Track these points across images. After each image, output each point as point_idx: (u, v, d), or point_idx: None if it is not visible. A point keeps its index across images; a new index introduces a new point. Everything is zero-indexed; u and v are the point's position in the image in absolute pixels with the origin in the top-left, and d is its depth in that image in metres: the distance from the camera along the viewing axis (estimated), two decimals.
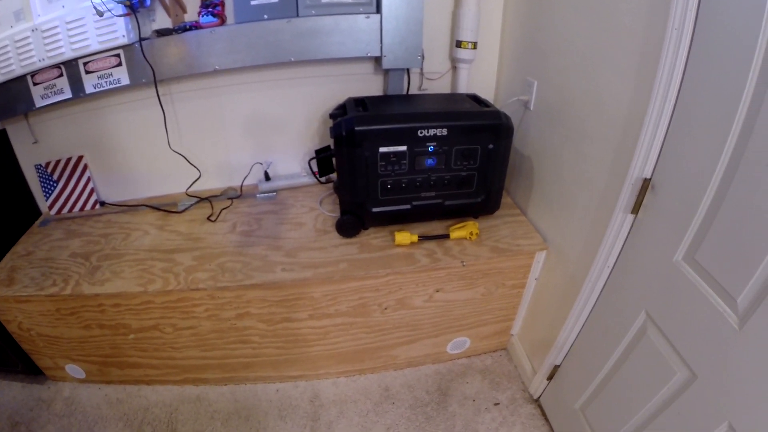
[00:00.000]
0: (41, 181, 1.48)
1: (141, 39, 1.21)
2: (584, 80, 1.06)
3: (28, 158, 1.47)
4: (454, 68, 1.47)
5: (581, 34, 1.06)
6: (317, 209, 1.47)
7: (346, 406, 1.43)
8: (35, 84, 1.26)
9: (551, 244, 1.30)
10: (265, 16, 1.26)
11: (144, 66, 1.24)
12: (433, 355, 1.53)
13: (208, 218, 1.43)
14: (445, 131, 1.18)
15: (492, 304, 1.41)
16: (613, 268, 1.03)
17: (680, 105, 0.80)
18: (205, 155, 1.53)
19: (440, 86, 1.51)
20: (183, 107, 1.42)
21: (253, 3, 1.25)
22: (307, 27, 1.26)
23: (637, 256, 0.96)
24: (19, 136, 1.42)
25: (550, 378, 1.35)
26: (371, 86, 1.47)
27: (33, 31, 1.18)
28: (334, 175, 1.39)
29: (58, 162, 1.48)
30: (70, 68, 1.25)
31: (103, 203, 1.55)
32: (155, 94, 1.32)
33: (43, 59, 1.21)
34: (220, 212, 1.46)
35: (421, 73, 1.46)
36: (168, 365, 1.41)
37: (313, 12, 1.26)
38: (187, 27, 1.25)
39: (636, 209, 0.93)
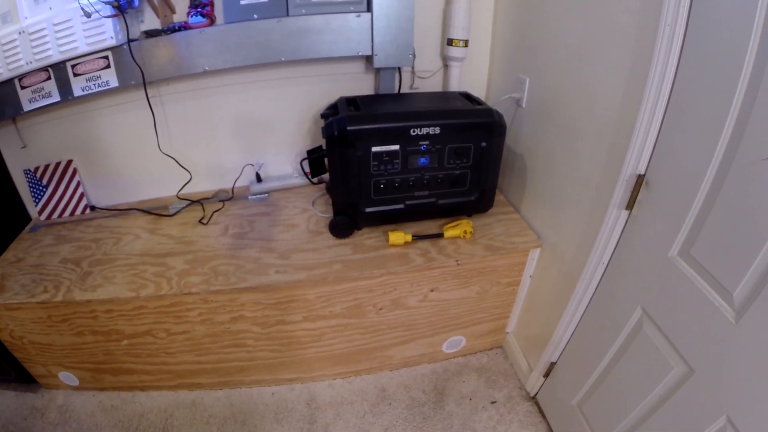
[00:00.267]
0: (30, 186, 1.46)
1: (129, 40, 1.19)
2: (576, 77, 1.06)
3: (16, 163, 1.45)
4: (446, 66, 1.47)
5: (573, 31, 1.05)
6: (310, 210, 1.46)
7: (343, 407, 1.42)
8: (23, 87, 1.25)
9: (545, 241, 1.30)
10: (255, 16, 1.25)
11: (133, 68, 1.23)
12: (428, 355, 1.53)
13: (200, 221, 1.42)
14: (437, 130, 1.17)
15: (487, 302, 1.41)
16: (608, 264, 1.03)
17: (673, 101, 0.80)
18: (196, 157, 1.51)
19: (432, 85, 1.50)
20: (173, 109, 1.41)
21: (242, 2, 1.24)
22: (297, 26, 1.25)
23: (632, 252, 0.96)
24: (7, 141, 1.40)
25: (546, 375, 1.35)
26: (362, 85, 1.47)
27: (20, 33, 1.16)
28: (326, 176, 1.39)
29: (47, 166, 1.46)
30: (58, 71, 1.23)
31: (93, 207, 1.53)
32: (144, 96, 1.30)
33: (31, 62, 1.20)
34: (211, 215, 1.44)
35: (413, 72, 1.46)
36: (162, 370, 1.39)
37: (304, 11, 1.25)
38: (176, 28, 1.24)
39: (630, 205, 0.93)
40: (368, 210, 1.26)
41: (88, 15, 1.14)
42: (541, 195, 1.30)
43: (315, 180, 1.52)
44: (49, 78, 1.24)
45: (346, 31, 1.28)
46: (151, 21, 1.26)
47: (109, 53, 1.22)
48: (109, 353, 1.33)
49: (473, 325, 1.47)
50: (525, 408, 1.41)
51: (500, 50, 1.44)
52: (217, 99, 1.42)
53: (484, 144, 1.22)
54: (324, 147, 1.22)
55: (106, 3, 1.15)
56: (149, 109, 1.34)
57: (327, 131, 1.15)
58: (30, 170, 1.45)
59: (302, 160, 1.41)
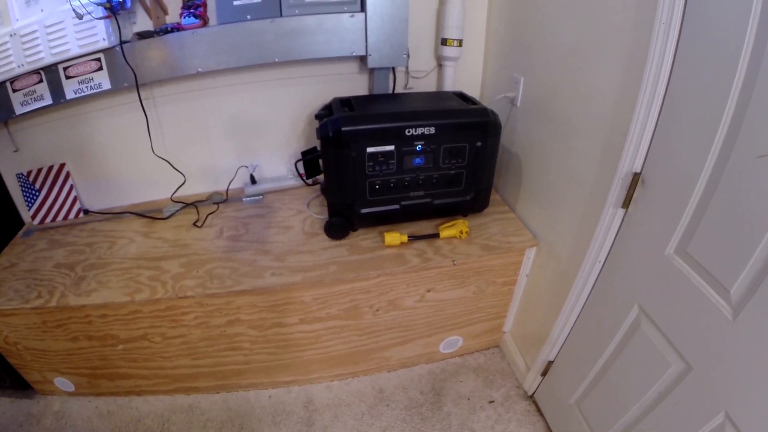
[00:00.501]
0: (23, 191, 1.45)
1: (122, 42, 1.18)
2: (571, 75, 1.06)
3: (9, 167, 1.43)
4: (440, 66, 1.47)
5: (568, 29, 1.05)
6: (305, 212, 1.45)
7: (341, 409, 1.42)
8: (15, 91, 1.23)
9: (541, 240, 1.29)
10: (248, 17, 1.24)
11: (125, 70, 1.22)
12: (426, 355, 1.53)
13: (195, 224, 1.41)
14: (432, 130, 1.17)
15: (483, 302, 1.41)
16: (604, 262, 1.03)
17: (669, 99, 0.80)
18: (190, 159, 1.50)
19: (426, 85, 1.50)
20: (166, 111, 1.40)
21: (235, 3, 1.23)
22: (290, 27, 1.25)
23: (628, 251, 0.96)
24: None
25: (544, 374, 1.35)
26: (357, 86, 1.46)
27: (11, 36, 1.15)
28: (321, 177, 1.38)
29: (39, 170, 1.45)
30: (50, 74, 1.22)
31: (86, 211, 1.52)
32: (137, 98, 1.29)
33: (22, 65, 1.18)
34: (206, 217, 1.43)
35: (407, 72, 1.46)
36: (158, 375, 1.38)
37: (297, 11, 1.24)
38: (169, 29, 1.23)
39: (626, 204, 0.93)
40: (364, 211, 1.26)
41: (80, 17, 1.13)
42: (536, 194, 1.30)
43: (310, 181, 1.51)
44: (41, 81, 1.23)
45: (340, 31, 1.27)
46: (143, 22, 1.25)
47: (101, 55, 1.21)
48: (104, 358, 1.32)
49: (470, 324, 1.47)
50: (523, 407, 1.41)
51: (494, 49, 1.44)
52: (211, 101, 1.41)
53: (479, 144, 1.22)
54: (318, 148, 1.22)
55: (97, 4, 1.15)
56: (142, 111, 1.33)
57: (321, 132, 1.15)
58: (22, 174, 1.44)
59: (297, 162, 1.40)
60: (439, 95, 1.41)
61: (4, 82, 1.20)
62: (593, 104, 1.00)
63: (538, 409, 1.39)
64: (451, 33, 1.35)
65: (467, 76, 1.51)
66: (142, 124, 1.36)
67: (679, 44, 0.76)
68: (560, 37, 1.09)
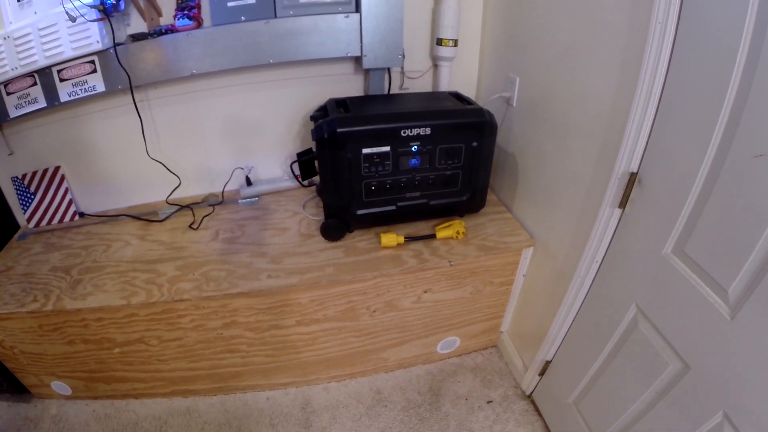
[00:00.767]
0: (18, 194, 1.44)
1: (116, 44, 1.18)
2: (567, 75, 1.06)
3: (4, 170, 1.42)
4: (435, 66, 1.46)
5: (563, 29, 1.05)
6: (301, 213, 1.45)
7: (339, 411, 1.41)
8: (8, 94, 1.23)
9: (538, 240, 1.29)
10: (243, 18, 1.24)
11: (119, 72, 1.21)
12: (423, 356, 1.52)
13: (190, 226, 1.40)
14: (428, 130, 1.16)
15: (481, 302, 1.41)
16: (601, 262, 1.03)
17: (666, 98, 0.80)
18: (185, 162, 1.50)
19: (421, 85, 1.50)
20: (161, 113, 1.39)
21: (229, 4, 1.23)
22: (285, 28, 1.24)
23: (625, 251, 0.95)
24: None
25: (541, 374, 1.34)
26: (352, 87, 1.46)
27: (5, 39, 1.14)
28: (316, 178, 1.37)
29: (34, 173, 1.44)
30: (44, 76, 1.22)
31: (82, 214, 1.51)
32: (132, 100, 1.29)
33: (16, 68, 1.18)
34: (201, 220, 1.43)
35: (402, 72, 1.45)
36: (155, 378, 1.38)
37: (291, 12, 1.24)
38: (163, 31, 1.22)
39: (623, 203, 0.93)
40: (360, 212, 1.25)
41: (73, 19, 1.12)
42: (533, 194, 1.30)
43: (306, 183, 1.50)
44: (35, 83, 1.23)
45: (335, 32, 1.27)
46: (137, 24, 1.24)
47: (95, 57, 1.21)
48: (101, 362, 1.31)
49: (467, 325, 1.47)
50: (521, 407, 1.41)
51: (490, 49, 1.44)
52: (206, 102, 1.41)
53: (475, 144, 1.21)
54: (314, 149, 1.21)
55: (91, 7, 1.14)
56: (137, 113, 1.32)
57: (317, 133, 1.14)
58: (17, 177, 1.43)
59: (292, 163, 1.39)
60: (434, 95, 1.40)
61: None
62: (589, 104, 0.99)
63: (536, 409, 1.39)
64: (446, 33, 1.35)
65: (463, 76, 1.51)
66: (137, 127, 1.36)
67: (676, 43, 0.75)
68: (556, 37, 1.08)
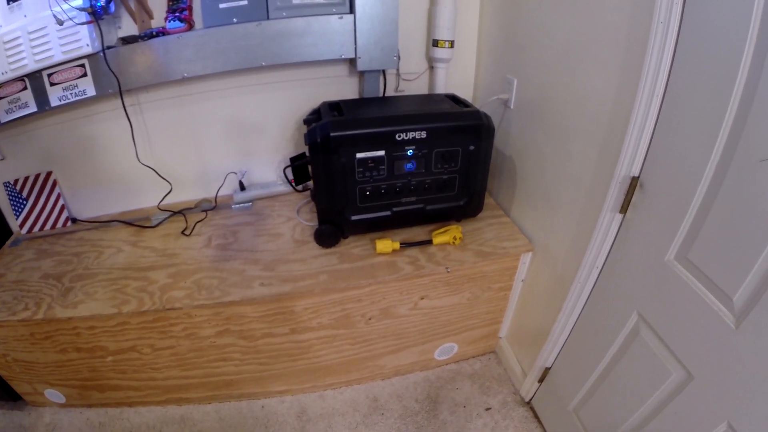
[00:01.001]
0: (11, 200, 1.43)
1: (105, 48, 1.16)
2: (566, 76, 1.03)
3: None
4: (432, 68, 1.44)
5: (562, 28, 1.03)
6: (295, 219, 1.42)
7: (335, 419, 1.39)
8: None
9: (537, 245, 1.27)
10: (235, 20, 1.21)
11: (110, 76, 1.20)
12: (420, 363, 1.50)
13: (183, 232, 1.38)
14: (424, 134, 1.14)
15: (478, 308, 1.38)
16: (602, 268, 1.01)
17: (668, 100, 0.77)
18: (178, 166, 1.47)
19: (417, 87, 1.47)
20: (152, 117, 1.37)
21: (221, 6, 1.21)
22: (277, 30, 1.22)
23: (627, 256, 0.93)
24: None
25: (541, 380, 1.32)
26: (346, 89, 1.43)
27: None
28: (311, 183, 1.35)
29: (27, 179, 1.42)
30: (35, 80, 1.20)
31: (74, 220, 1.49)
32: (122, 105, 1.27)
33: (6, 72, 1.16)
34: (194, 225, 1.41)
35: (398, 74, 1.43)
36: (149, 386, 1.36)
37: (284, 14, 1.22)
38: (154, 33, 1.20)
39: (624, 208, 0.91)
40: (354, 218, 1.23)
41: (60, 23, 1.11)
42: (531, 198, 1.28)
43: (300, 187, 1.48)
44: (25, 88, 1.21)
45: (329, 33, 1.24)
46: (129, 27, 1.23)
47: (85, 61, 1.19)
48: (94, 370, 1.30)
49: (465, 331, 1.44)
50: (520, 414, 1.38)
51: (487, 50, 1.41)
52: (198, 106, 1.38)
53: (472, 147, 1.19)
54: (307, 154, 1.19)
55: (80, 9, 1.12)
56: (127, 118, 1.30)
57: (309, 138, 1.12)
58: (9, 183, 1.42)
59: (285, 168, 1.37)
60: (430, 98, 1.38)
61: None
62: (589, 105, 0.97)
63: (536, 416, 1.37)
64: (442, 34, 1.32)
65: (459, 77, 1.48)
66: (129, 131, 1.34)
67: (678, 43, 0.73)
68: (555, 37, 1.06)
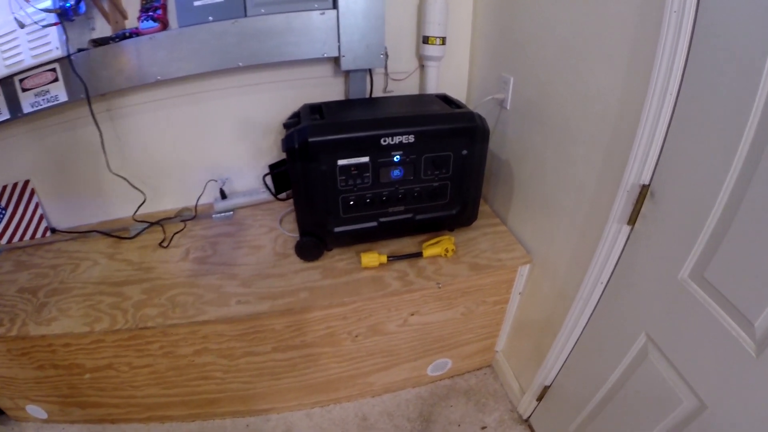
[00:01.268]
0: None
1: (70, 51, 1.09)
2: (567, 73, 0.96)
3: None
4: (422, 67, 1.36)
5: (563, 22, 0.95)
6: (277, 229, 1.35)
7: None
8: None
9: (536, 256, 1.18)
10: (210, 18, 1.14)
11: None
12: (412, 379, 1.43)
13: (160, 244, 1.32)
14: (411, 138, 1.06)
15: (473, 322, 1.30)
16: (607, 284, 0.93)
17: (683, 97, 0.69)
18: (155, 175, 1.41)
19: (407, 87, 1.39)
20: (128, 123, 1.31)
21: (196, 4, 1.13)
22: (255, 28, 1.14)
23: (635, 272, 0.86)
24: None
25: (539, 399, 1.25)
26: (332, 90, 1.36)
27: None
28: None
29: (4, 188, 1.37)
30: (6, 86, 1.14)
31: (54, 230, 1.44)
32: (100, 110, 1.20)
33: None
34: (172, 237, 1.34)
35: (386, 74, 1.34)
36: (130, 404, 1.31)
37: (263, 10, 1.14)
38: (127, 34, 1.14)
39: (633, 219, 0.83)
40: (338, 230, 1.15)
41: (21, 26, 1.05)
42: (530, 205, 1.19)
43: (283, 196, 1.40)
44: None
45: (310, 30, 1.16)
46: (103, 28, 1.16)
47: (56, 65, 1.13)
48: (73, 387, 1.25)
49: (459, 346, 1.37)
50: None
51: (481, 47, 1.33)
52: (175, 111, 1.32)
53: (464, 152, 1.10)
54: None
55: (48, 11, 1.06)
56: (96, 125, 1.23)
57: (287, 144, 1.04)
58: None
59: (265, 176, 1.30)
60: (420, 99, 1.29)
61: None
62: (593, 106, 0.89)
63: None
64: (433, 30, 1.24)
65: (452, 77, 1.40)
66: (106, 138, 1.27)
67: (694, 35, 0.65)
68: (554, 31, 0.98)
